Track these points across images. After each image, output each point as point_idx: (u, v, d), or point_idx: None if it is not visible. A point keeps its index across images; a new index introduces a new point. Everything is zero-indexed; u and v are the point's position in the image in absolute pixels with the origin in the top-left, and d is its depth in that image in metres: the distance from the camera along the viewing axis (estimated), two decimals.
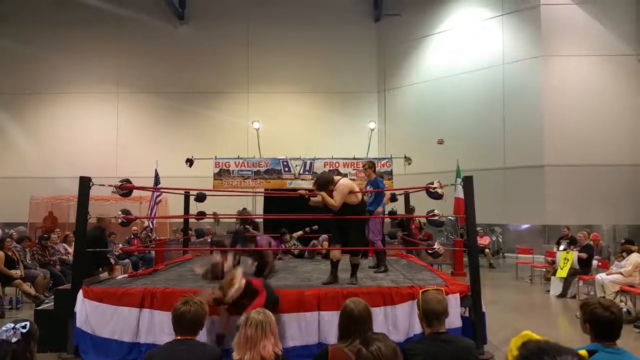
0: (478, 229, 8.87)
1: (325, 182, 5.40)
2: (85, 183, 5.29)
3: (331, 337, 4.55)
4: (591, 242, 9.31)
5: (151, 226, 12.23)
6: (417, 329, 4.71)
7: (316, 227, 8.69)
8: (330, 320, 4.74)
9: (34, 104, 18.34)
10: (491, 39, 15.79)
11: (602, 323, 2.37)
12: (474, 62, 16.05)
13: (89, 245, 5.77)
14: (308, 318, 4.82)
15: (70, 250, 9.18)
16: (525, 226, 15.19)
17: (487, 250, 13.31)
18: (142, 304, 4.92)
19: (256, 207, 13.77)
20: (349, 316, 2.57)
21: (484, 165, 14.74)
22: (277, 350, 2.50)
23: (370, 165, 6.76)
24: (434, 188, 5.56)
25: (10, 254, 7.88)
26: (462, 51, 16.42)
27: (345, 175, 8.35)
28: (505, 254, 14.95)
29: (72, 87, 18.32)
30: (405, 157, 11.54)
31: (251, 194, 13.20)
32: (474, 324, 4.96)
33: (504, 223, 15.31)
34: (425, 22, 17.46)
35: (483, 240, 13.22)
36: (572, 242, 9.88)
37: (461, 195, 8.92)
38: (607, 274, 7.81)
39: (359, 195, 5.62)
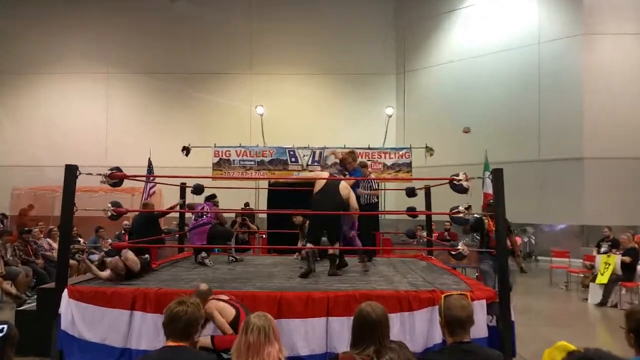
0: None
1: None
2: (71, 172, 5.31)
3: (341, 346, 4.53)
4: (636, 245, 9.21)
5: None
6: (437, 338, 4.70)
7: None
8: (341, 327, 4.74)
9: (14, 85, 18.52)
10: (525, 14, 15.57)
11: None
12: (506, 40, 15.86)
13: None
14: (315, 324, 4.82)
15: (55, 245, 9.28)
16: (561, 226, 15.07)
17: (517, 252, 13.22)
18: (134, 306, 4.96)
19: (259, 200, 13.79)
20: (365, 321, 2.57)
21: (516, 158, 14.62)
22: (281, 357, 2.50)
23: (353, 157, 7.15)
24: (459, 180, 5.53)
25: None
26: (492, 28, 16.23)
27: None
28: (538, 257, 14.85)
29: (56, 66, 18.45)
30: (426, 147, 11.47)
31: (254, 186, 13.23)
32: (502, 334, 4.93)
33: (538, 222, 15.19)
34: None
35: None
36: (614, 245, 9.79)
37: (490, 190, 8.84)
38: None
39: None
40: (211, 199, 8.12)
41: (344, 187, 6.42)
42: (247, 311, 4.27)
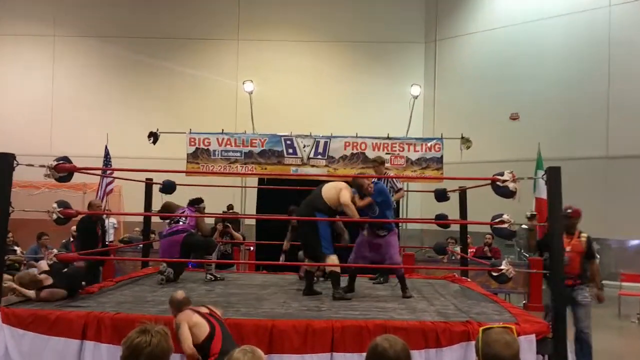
0: None
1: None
2: (6, 162, 5.34)
3: None
4: None
5: (107, 227, 12.25)
6: None
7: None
8: None
9: None
10: None
11: None
12: (566, 1, 15.83)
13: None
14: None
15: None
16: (634, 242, 15.04)
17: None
18: (85, 334, 4.99)
19: (246, 202, 13.81)
20: (380, 359, 2.58)
21: (577, 153, 14.61)
22: None
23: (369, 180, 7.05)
24: (504, 181, 5.53)
25: None
26: None
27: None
28: (604, 282, 14.81)
29: None
30: (462, 137, 11.45)
31: (240, 184, 13.27)
32: None
33: (603, 237, 15.12)
34: None
35: None
36: None
37: (543, 194, 8.84)
38: None
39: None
40: (196, 204, 8.14)
41: (333, 186, 6.61)
42: (225, 332, 4.37)
